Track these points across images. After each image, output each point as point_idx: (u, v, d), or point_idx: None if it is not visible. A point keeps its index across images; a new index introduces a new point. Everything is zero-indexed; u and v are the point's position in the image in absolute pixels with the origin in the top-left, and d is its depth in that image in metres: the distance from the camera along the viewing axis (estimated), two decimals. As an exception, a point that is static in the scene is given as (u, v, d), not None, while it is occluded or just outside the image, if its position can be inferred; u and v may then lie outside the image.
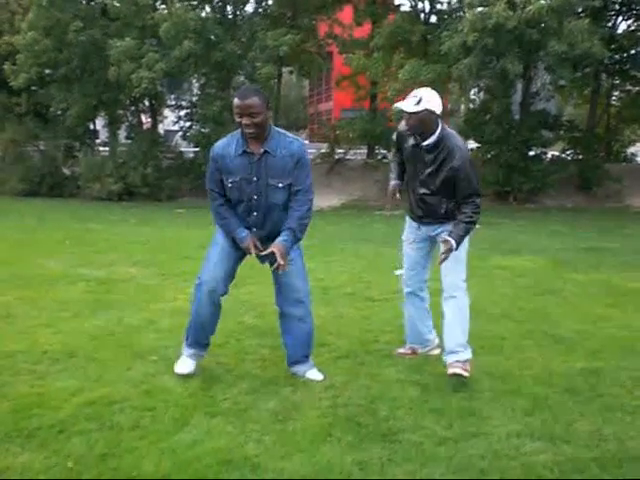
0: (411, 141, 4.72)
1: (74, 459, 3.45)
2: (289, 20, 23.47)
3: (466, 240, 4.65)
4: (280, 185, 4.31)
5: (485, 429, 3.89)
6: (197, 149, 23.92)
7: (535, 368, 5.01)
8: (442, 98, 4.71)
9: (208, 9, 23.47)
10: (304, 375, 4.67)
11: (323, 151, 26.08)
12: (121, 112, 25.00)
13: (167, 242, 12.02)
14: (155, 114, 25.65)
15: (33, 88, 24.29)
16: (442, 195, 4.66)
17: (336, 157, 25.45)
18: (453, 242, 4.44)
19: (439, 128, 4.55)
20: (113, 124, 24.94)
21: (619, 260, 10.38)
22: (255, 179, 4.30)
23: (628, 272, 9.14)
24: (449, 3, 22.81)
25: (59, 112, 24.45)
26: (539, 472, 3.40)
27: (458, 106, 28.30)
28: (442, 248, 4.50)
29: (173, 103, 26.56)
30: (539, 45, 18.11)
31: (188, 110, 25.27)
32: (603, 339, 5.81)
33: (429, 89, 4.63)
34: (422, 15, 23.38)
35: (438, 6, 23.34)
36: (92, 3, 23.67)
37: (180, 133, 25.89)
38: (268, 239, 4.39)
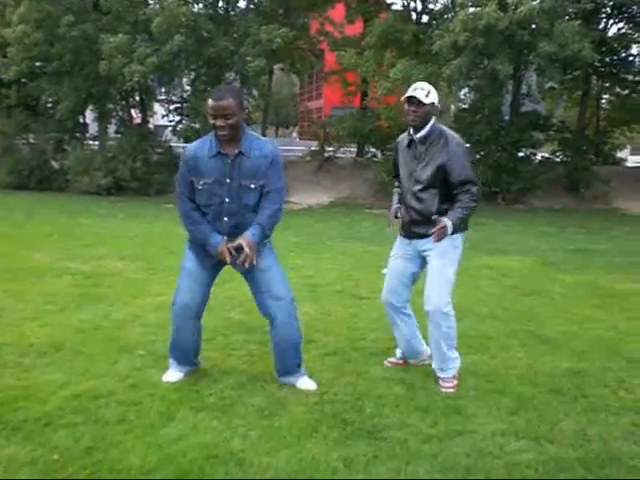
0: (405, 142, 4.76)
1: (59, 452, 3.45)
2: (281, 17, 23.44)
3: (455, 260, 4.63)
4: (252, 186, 4.21)
5: (470, 427, 3.91)
6: (186, 144, 23.78)
7: (520, 368, 5.04)
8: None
9: (200, 5, 23.43)
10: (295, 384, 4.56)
11: (313, 149, 26.04)
12: (111, 106, 24.89)
13: (155, 237, 12.00)
14: (145, 109, 25.57)
15: (23, 81, 24.14)
16: (435, 188, 4.57)
17: (326, 155, 25.40)
18: (449, 223, 4.38)
19: (432, 120, 4.60)
20: (103, 118, 24.82)
21: (606, 262, 10.43)
22: (228, 180, 4.20)
23: (615, 274, 9.19)
24: (439, 2, 22.82)
25: (49, 105, 24.33)
26: (523, 471, 3.42)
27: (447, 106, 28.32)
28: (436, 227, 4.40)
29: (163, 97, 26.47)
30: (530, 46, 18.15)
31: (178, 105, 25.21)
32: (589, 340, 5.85)
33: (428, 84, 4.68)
34: (414, 15, 23.38)
35: (430, 6, 23.35)
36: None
37: (170, 128, 25.81)
38: (237, 251, 4.18)
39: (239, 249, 4.13)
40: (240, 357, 5.10)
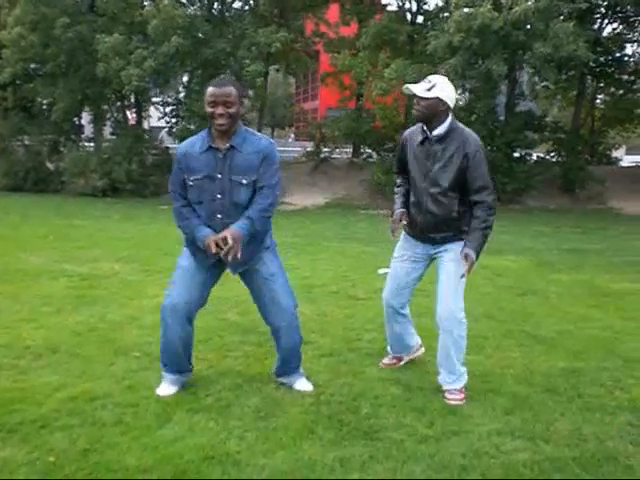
0: (419, 138, 4.46)
1: (56, 454, 3.45)
2: (277, 18, 23.46)
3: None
4: (244, 182, 4.07)
5: (466, 427, 3.91)
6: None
7: (516, 367, 5.04)
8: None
9: (196, 6, 23.47)
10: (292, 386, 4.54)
11: (309, 150, 26.06)
12: (106, 108, 24.89)
13: (150, 238, 12.00)
14: (140, 110, 25.57)
15: (18, 82, 24.13)
16: (455, 192, 4.36)
17: (321, 156, 25.42)
18: (473, 255, 4.25)
19: (449, 119, 4.33)
20: (98, 120, 24.81)
21: (601, 261, 10.45)
22: (219, 176, 4.07)
23: (610, 273, 9.20)
24: (433, 2, 22.89)
25: (44, 107, 24.33)
26: (519, 470, 3.42)
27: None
28: (463, 263, 4.26)
29: (159, 99, 26.48)
30: (524, 46, 18.19)
31: (174, 106, 25.22)
32: (584, 339, 5.85)
33: (446, 78, 4.42)
34: (409, 15, 23.42)
35: (425, 6, 23.40)
36: (79, -2, 23.56)
37: (165, 129, 25.82)
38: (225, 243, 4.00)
39: (223, 240, 3.94)
40: (236, 358, 5.10)
